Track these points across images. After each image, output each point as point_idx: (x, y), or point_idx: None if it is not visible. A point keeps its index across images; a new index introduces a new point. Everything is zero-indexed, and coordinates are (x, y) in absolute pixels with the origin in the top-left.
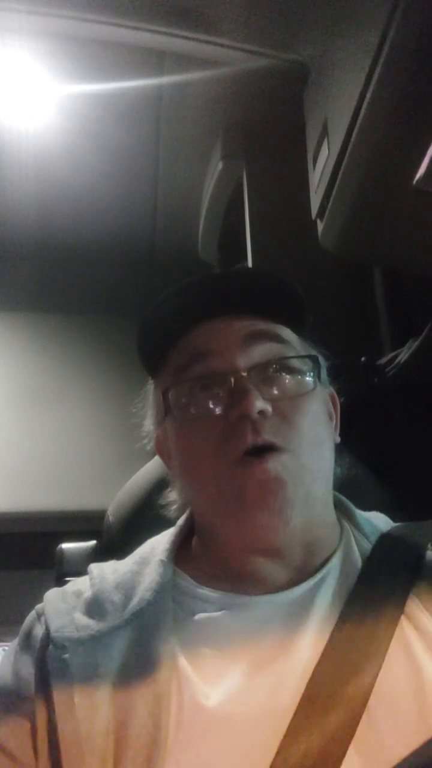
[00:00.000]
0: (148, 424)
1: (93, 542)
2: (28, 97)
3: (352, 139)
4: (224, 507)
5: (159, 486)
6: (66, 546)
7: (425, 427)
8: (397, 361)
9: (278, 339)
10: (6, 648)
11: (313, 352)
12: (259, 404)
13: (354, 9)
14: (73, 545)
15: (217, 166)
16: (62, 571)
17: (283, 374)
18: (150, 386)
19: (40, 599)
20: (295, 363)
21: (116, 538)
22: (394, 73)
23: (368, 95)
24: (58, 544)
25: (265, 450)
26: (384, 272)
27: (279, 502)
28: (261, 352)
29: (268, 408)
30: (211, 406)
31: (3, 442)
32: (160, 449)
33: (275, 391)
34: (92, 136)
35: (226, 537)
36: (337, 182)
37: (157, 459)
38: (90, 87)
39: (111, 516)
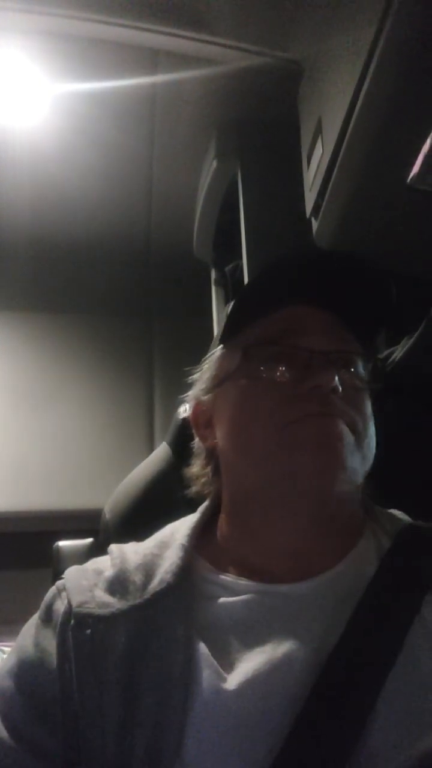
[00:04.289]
0: (196, 390)
1: (89, 540)
2: (23, 96)
3: (346, 137)
4: (280, 458)
5: (155, 483)
6: (62, 544)
7: (421, 425)
8: (391, 359)
9: (356, 344)
10: (5, 648)
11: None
12: (337, 380)
13: (348, 8)
14: (69, 543)
15: (212, 164)
16: (59, 569)
17: (354, 369)
18: (217, 351)
19: (36, 598)
20: (363, 365)
21: (113, 536)
22: (388, 72)
23: (362, 94)
24: (54, 542)
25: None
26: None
27: (341, 446)
28: (343, 343)
29: (340, 388)
30: (287, 376)
31: None
32: (197, 418)
33: (346, 380)
34: (87, 134)
35: (272, 497)
36: (332, 181)
37: (153, 456)
38: (84, 86)
39: (107, 514)
